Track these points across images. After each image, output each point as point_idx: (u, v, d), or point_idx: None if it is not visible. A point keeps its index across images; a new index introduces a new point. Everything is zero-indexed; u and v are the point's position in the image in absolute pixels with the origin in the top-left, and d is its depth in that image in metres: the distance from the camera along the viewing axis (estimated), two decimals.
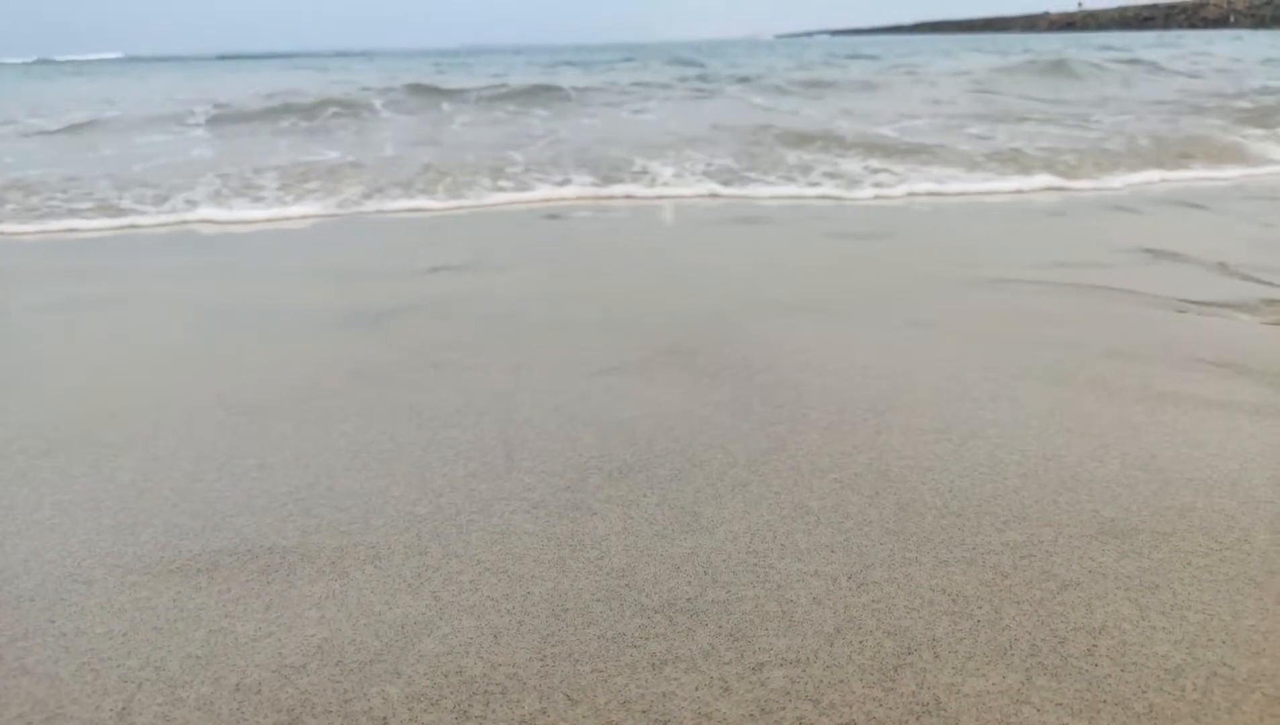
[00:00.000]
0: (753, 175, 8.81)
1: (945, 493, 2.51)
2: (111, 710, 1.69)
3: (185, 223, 7.40)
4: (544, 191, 8.17)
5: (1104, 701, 1.67)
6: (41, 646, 1.91)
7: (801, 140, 10.73)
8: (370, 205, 7.86)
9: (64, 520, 2.44)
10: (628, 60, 35.49)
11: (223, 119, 14.65)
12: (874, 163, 9.34)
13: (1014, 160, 9.36)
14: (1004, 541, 2.25)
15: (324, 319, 4.41)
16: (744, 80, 20.46)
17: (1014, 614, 1.96)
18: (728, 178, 8.73)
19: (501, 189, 8.31)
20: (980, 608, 1.98)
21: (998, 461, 2.69)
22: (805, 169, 9.03)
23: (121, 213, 7.62)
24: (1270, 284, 4.69)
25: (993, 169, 8.99)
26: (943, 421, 2.99)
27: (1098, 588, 2.05)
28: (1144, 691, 1.70)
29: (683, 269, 5.31)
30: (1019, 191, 8.21)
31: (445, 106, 16.24)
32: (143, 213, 7.61)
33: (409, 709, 1.67)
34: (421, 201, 7.91)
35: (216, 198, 8.06)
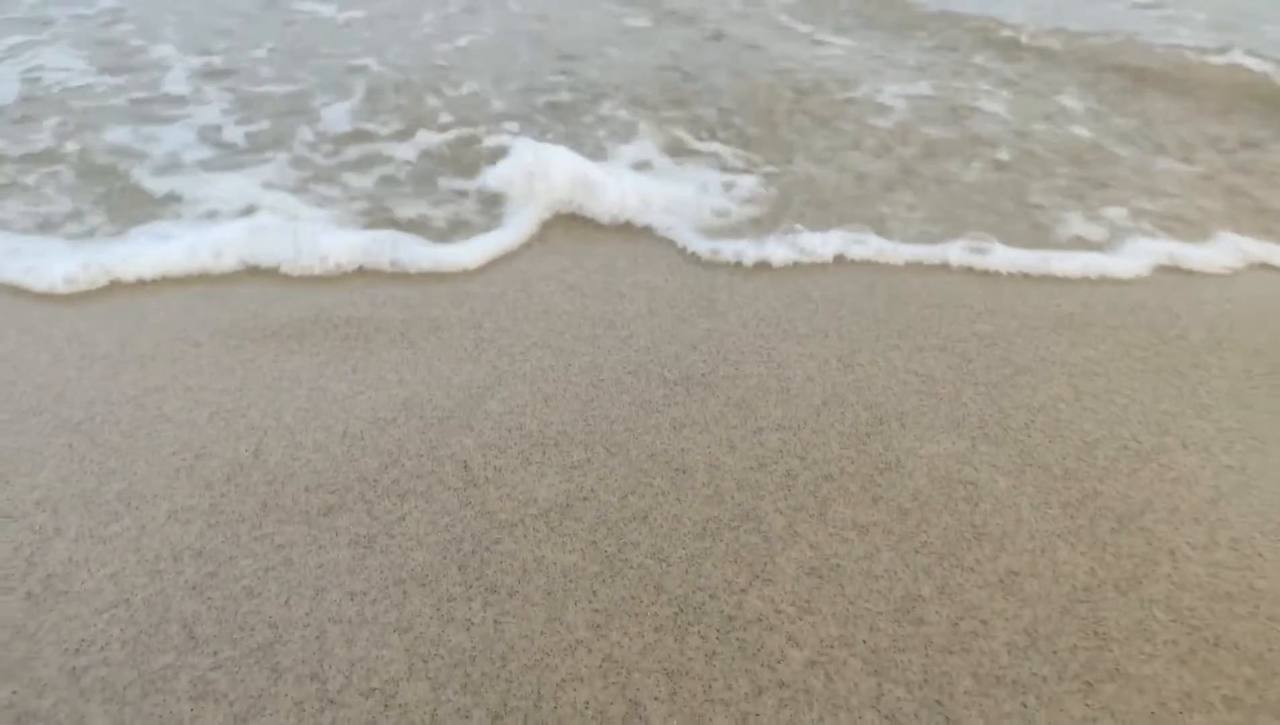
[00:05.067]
0: None
1: (932, 287, 2.85)
2: (248, 451, 2.15)
3: None
4: None
5: (1030, 465, 2.12)
6: (174, 397, 2.34)
7: None
8: None
9: (156, 292, 2.81)
10: None
11: None
12: None
13: None
14: (974, 331, 2.63)
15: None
16: None
17: (971, 393, 2.37)
18: None
19: None
20: (944, 387, 2.39)
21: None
22: None
23: None
24: None
25: None
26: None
27: (1045, 373, 2.45)
28: (1063, 458, 2.15)
29: None
30: None
31: None
32: None
33: (483, 455, 2.13)
34: None
35: None
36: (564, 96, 4.51)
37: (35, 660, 1.62)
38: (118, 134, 3.92)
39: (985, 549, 1.88)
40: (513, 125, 4.11)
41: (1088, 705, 1.55)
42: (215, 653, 1.62)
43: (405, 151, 3.82)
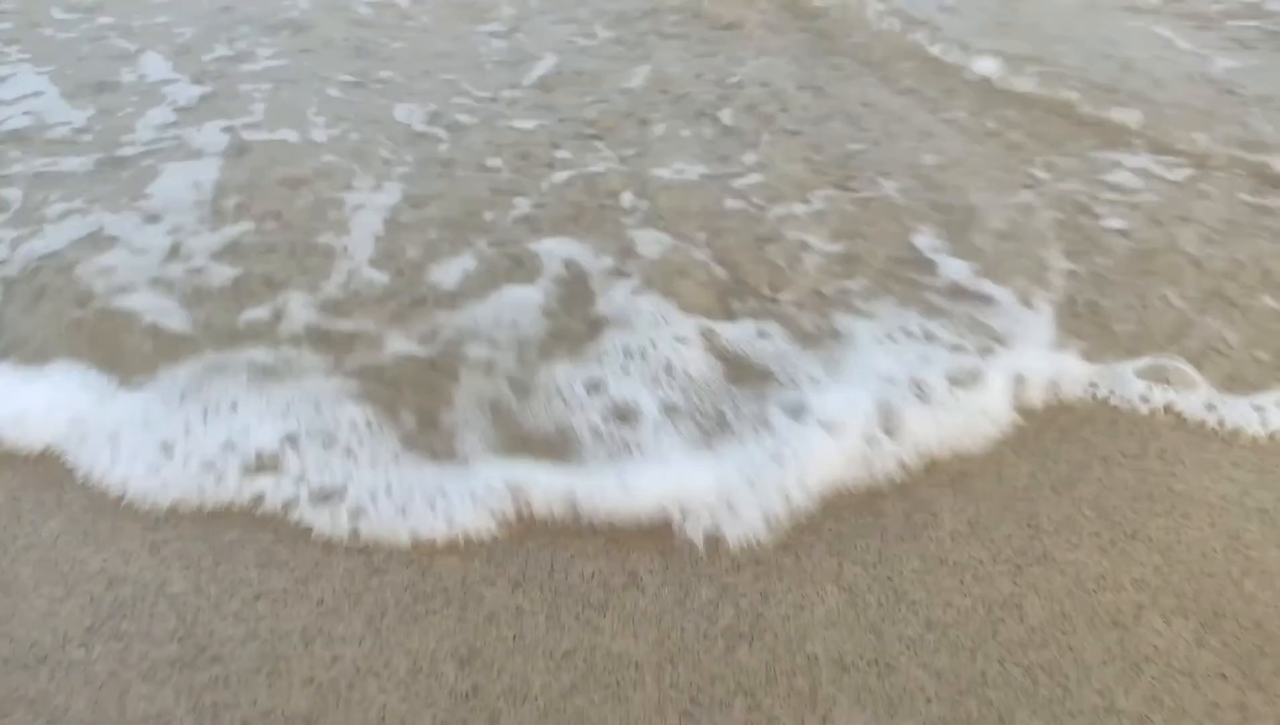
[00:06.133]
0: None
1: None
2: None
3: None
4: None
5: None
6: None
7: None
8: None
9: None
10: None
11: None
12: None
13: None
14: None
15: None
16: None
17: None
18: None
19: None
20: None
21: None
22: None
23: None
24: None
25: None
26: None
27: None
28: None
29: None
30: None
31: None
32: None
33: None
34: None
35: None
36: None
37: (120, 534, 1.89)
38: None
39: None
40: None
41: (1015, 584, 1.83)
42: (275, 529, 1.90)
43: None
